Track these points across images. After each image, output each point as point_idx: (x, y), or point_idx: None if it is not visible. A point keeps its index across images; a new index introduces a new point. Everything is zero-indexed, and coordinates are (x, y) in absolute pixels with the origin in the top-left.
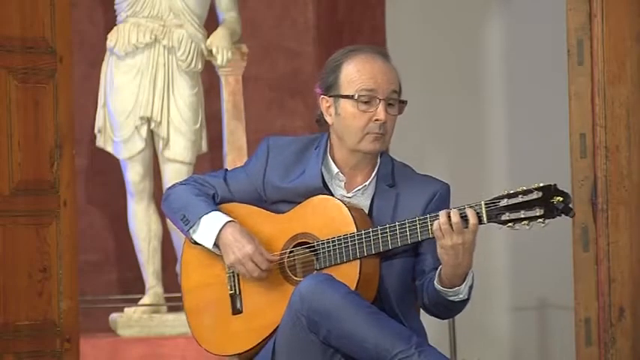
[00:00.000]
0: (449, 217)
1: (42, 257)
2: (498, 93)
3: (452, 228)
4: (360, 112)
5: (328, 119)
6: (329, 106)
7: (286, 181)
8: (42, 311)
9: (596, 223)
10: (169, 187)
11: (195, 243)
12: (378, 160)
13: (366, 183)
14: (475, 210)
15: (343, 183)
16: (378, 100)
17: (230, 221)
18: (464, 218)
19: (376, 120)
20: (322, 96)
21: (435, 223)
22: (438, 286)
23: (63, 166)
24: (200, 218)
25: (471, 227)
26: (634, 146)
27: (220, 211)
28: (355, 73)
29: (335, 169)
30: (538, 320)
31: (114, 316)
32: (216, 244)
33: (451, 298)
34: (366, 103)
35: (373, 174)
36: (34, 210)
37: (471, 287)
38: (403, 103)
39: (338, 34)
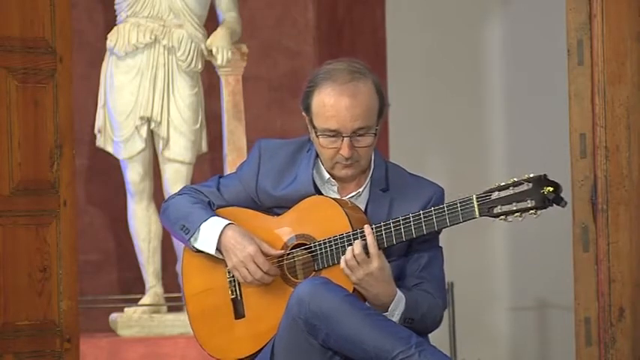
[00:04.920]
0: (352, 252)
1: (42, 257)
2: (498, 93)
3: (357, 262)
4: (326, 146)
5: (311, 135)
6: (308, 124)
7: (279, 188)
8: (42, 311)
9: (596, 223)
10: (166, 200)
11: (198, 251)
12: (372, 165)
13: (360, 190)
14: (375, 234)
15: (336, 187)
16: (341, 138)
17: (229, 224)
18: (365, 248)
19: (341, 154)
20: (303, 113)
21: (342, 260)
22: None
23: (63, 166)
24: (200, 225)
25: (373, 254)
26: (634, 146)
27: (218, 215)
28: (322, 108)
29: (326, 175)
30: (538, 320)
31: (114, 316)
32: (218, 249)
33: None
34: (330, 137)
35: (367, 180)
36: (34, 210)
37: (403, 314)
38: (375, 133)
39: (338, 33)
